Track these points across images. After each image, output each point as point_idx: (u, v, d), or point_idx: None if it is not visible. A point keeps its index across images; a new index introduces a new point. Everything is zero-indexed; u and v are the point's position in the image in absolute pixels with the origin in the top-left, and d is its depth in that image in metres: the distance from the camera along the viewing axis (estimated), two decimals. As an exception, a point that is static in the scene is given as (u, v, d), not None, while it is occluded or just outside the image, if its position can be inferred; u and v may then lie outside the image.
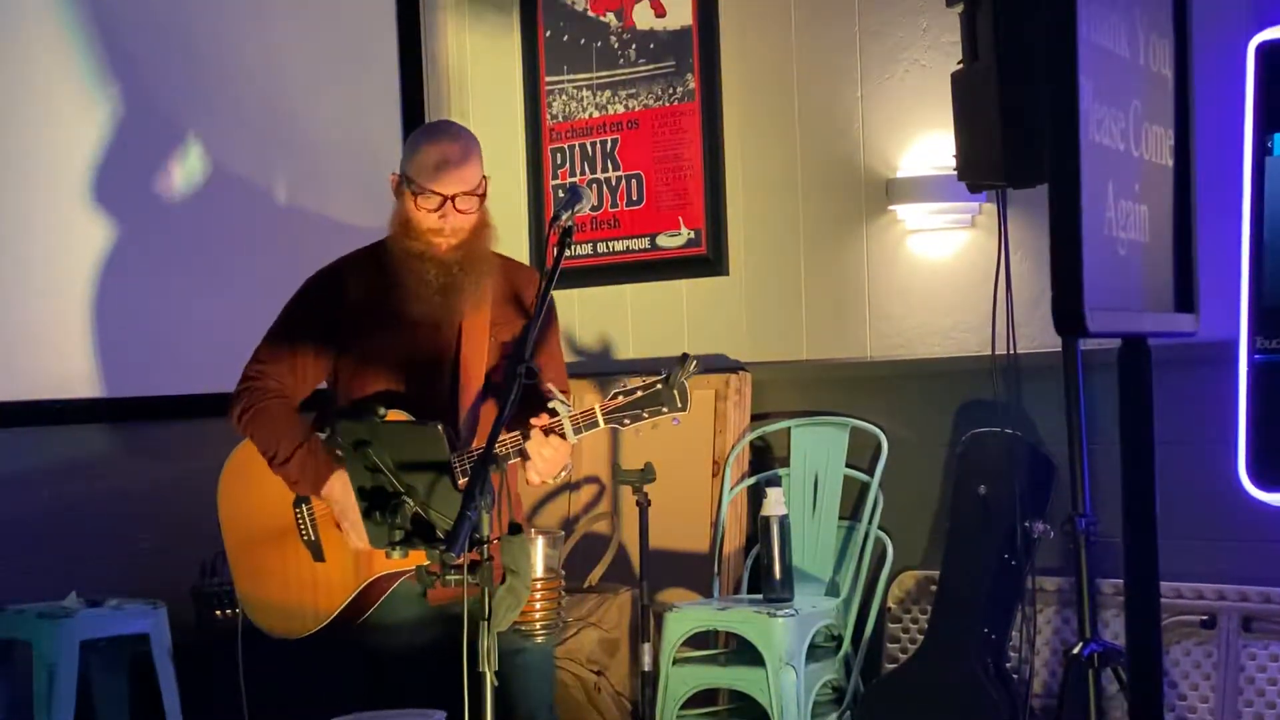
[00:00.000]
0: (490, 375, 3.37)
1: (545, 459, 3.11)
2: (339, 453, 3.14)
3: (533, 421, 3.10)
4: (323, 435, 3.36)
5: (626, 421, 3.06)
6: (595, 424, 3.08)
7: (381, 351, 3.39)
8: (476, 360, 3.37)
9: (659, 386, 3.03)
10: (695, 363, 3.04)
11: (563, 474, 3.20)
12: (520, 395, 2.94)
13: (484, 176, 3.40)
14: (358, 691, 3.66)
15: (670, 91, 5.35)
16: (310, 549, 3.40)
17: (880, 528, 4.79)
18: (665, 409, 3.04)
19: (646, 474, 4.33)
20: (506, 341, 3.38)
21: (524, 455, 3.13)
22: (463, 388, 3.35)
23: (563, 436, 3.08)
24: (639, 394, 3.05)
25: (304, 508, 3.42)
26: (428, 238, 3.32)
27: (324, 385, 3.54)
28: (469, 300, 3.34)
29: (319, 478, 3.35)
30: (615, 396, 3.07)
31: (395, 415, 3.13)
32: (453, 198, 3.31)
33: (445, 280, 3.32)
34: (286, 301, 3.57)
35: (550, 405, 3.09)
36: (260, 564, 3.50)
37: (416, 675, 3.40)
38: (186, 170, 5.17)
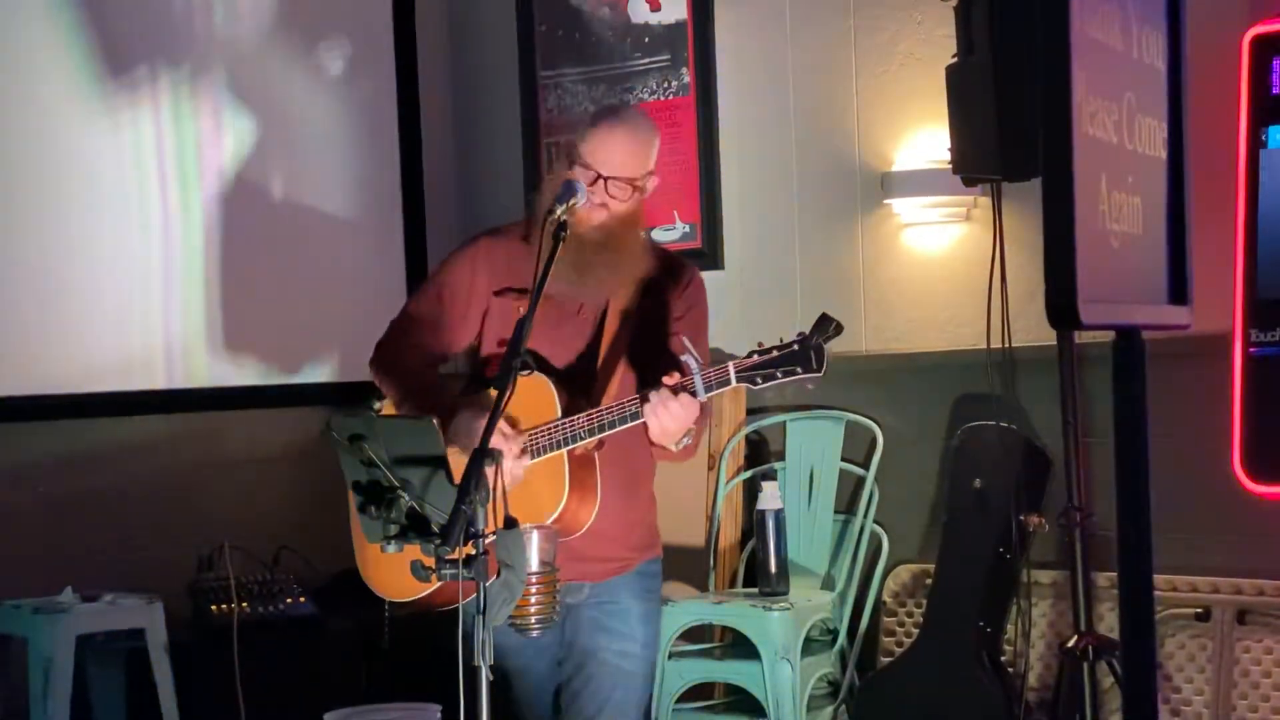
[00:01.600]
0: (634, 363, 3.33)
1: (673, 416, 3.07)
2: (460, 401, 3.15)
3: (665, 380, 3.07)
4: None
5: (759, 380, 3.04)
6: (727, 381, 3.05)
7: (527, 321, 3.35)
8: (617, 345, 3.34)
9: (795, 347, 3.01)
10: (836, 325, 2.99)
11: (686, 440, 3.16)
12: (515, 389, 2.95)
13: (649, 173, 3.36)
14: (355, 685, 3.66)
15: (665, 85, 5.35)
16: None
17: (876, 521, 4.80)
18: (800, 370, 3.02)
19: (642, 468, 4.32)
20: (652, 332, 3.36)
21: (638, 417, 3.10)
22: (601, 371, 3.32)
23: (693, 394, 3.05)
24: (774, 353, 3.03)
25: None
26: (573, 211, 3.25)
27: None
28: (605, 283, 3.30)
29: (440, 419, 3.27)
30: (750, 355, 3.05)
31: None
32: (606, 179, 3.28)
33: (577, 258, 3.25)
34: (443, 259, 3.54)
35: (683, 359, 3.07)
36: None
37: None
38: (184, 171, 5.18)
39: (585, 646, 3.36)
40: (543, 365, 3.32)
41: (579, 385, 3.29)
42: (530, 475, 3.20)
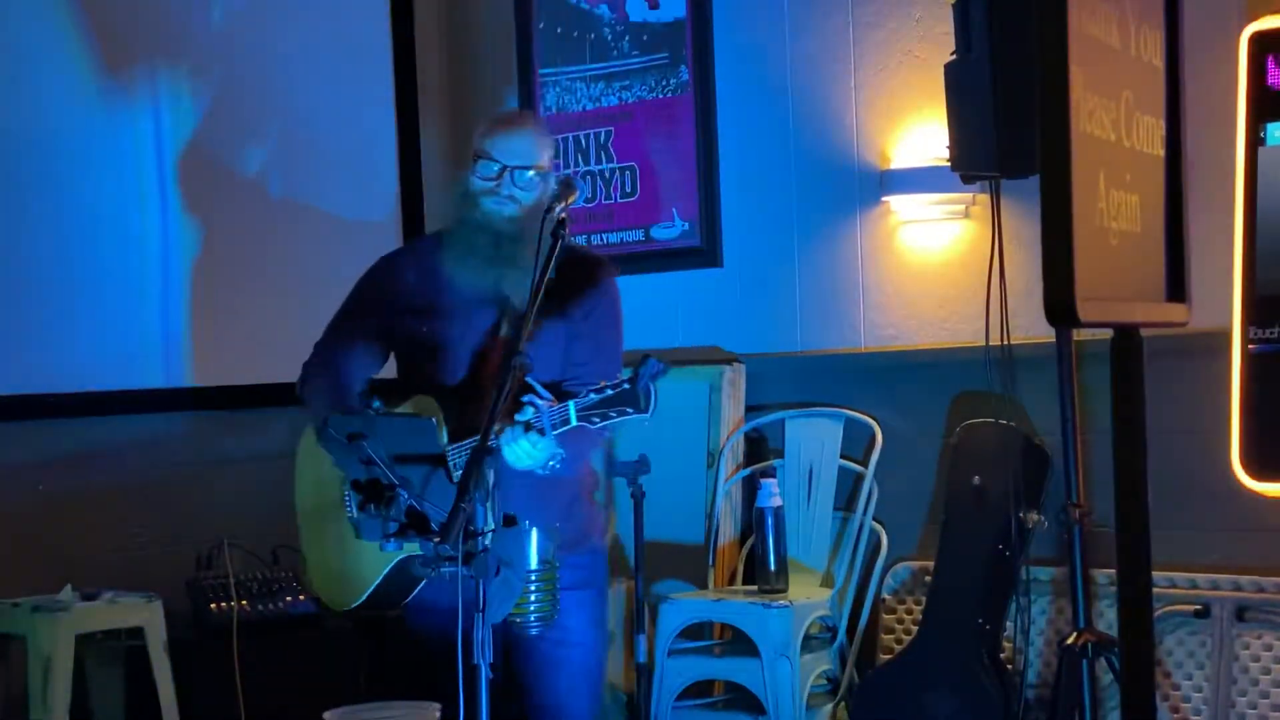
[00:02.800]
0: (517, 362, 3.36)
1: (525, 452, 3.14)
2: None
3: (516, 418, 3.13)
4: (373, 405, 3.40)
5: (596, 420, 3.10)
6: (568, 421, 3.12)
7: (430, 333, 3.44)
8: (507, 360, 3.36)
9: (625, 387, 3.08)
10: (662, 368, 3.07)
11: (553, 464, 3.21)
12: (515, 388, 2.97)
13: (548, 167, 3.43)
14: (355, 683, 3.68)
15: (664, 84, 5.35)
16: (353, 526, 3.42)
17: (875, 519, 4.80)
18: (630, 410, 3.08)
19: (641, 466, 4.33)
20: (563, 329, 3.39)
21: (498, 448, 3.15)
22: (488, 393, 3.33)
23: (541, 433, 3.11)
24: (609, 393, 3.10)
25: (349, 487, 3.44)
26: (484, 205, 3.36)
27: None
28: (513, 278, 3.35)
29: None
30: (588, 394, 3.11)
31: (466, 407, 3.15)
32: (512, 169, 3.36)
33: (494, 252, 3.34)
34: (355, 282, 3.66)
35: (525, 399, 3.12)
36: (319, 538, 3.56)
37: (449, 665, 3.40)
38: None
39: (525, 642, 3.39)
40: (435, 385, 3.38)
41: (467, 406, 3.32)
42: None
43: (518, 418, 3.12)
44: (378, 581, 3.37)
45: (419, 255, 3.55)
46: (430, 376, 3.41)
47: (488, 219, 3.35)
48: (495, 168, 3.36)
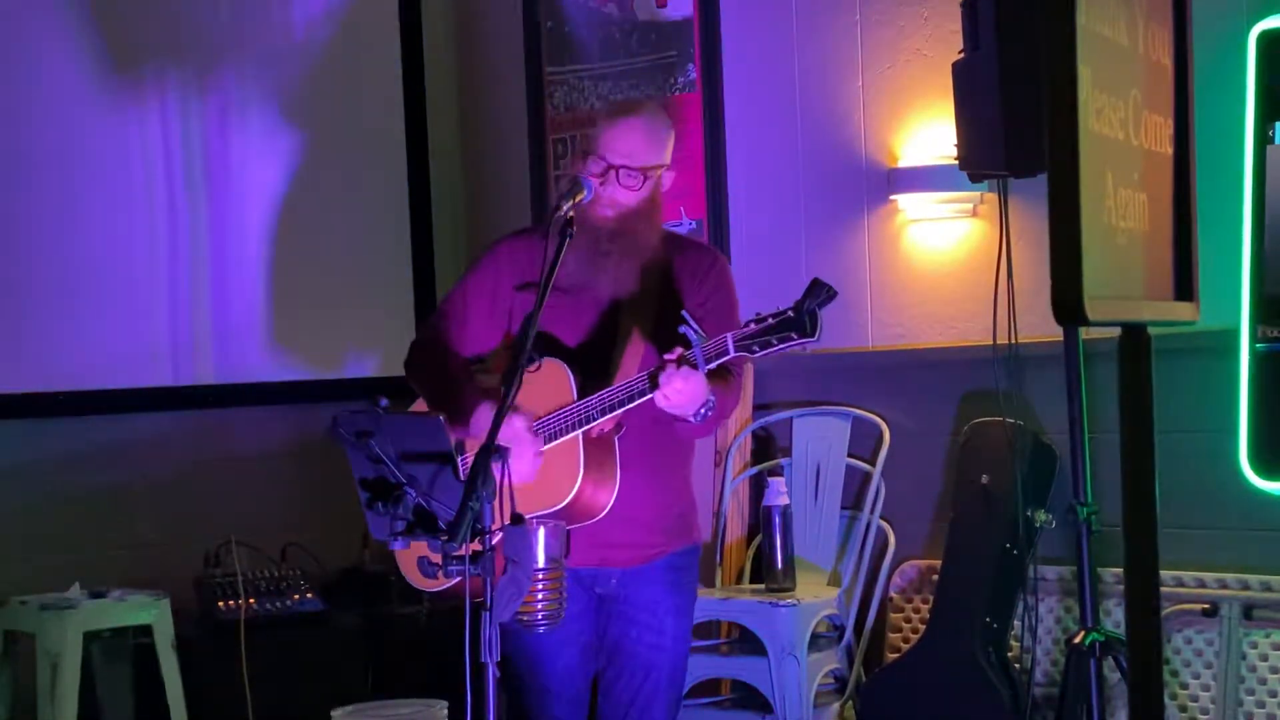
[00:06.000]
0: (652, 346, 3.35)
1: (677, 390, 3.09)
2: (496, 386, 3.21)
3: (665, 356, 3.10)
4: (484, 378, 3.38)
5: (756, 349, 3.06)
6: (725, 351, 3.07)
7: (544, 318, 3.37)
8: (634, 330, 3.36)
9: (790, 314, 3.06)
10: (829, 290, 3.04)
11: (706, 411, 3.17)
12: (521, 384, 2.97)
13: (660, 165, 3.43)
14: (362, 681, 3.68)
15: (671, 82, 5.35)
16: None
17: (882, 517, 4.80)
18: (795, 335, 3.05)
19: (649, 464, 4.33)
20: (672, 319, 3.37)
21: (655, 385, 3.12)
22: (615, 354, 3.34)
23: (694, 367, 3.08)
24: (770, 322, 3.07)
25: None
26: (585, 203, 3.32)
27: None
28: (618, 272, 3.36)
29: (465, 413, 3.31)
30: (748, 324, 3.08)
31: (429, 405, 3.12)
32: (618, 168, 3.35)
33: (591, 249, 3.33)
34: (470, 262, 3.64)
35: (681, 330, 3.10)
36: None
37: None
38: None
39: (616, 639, 3.39)
40: (563, 351, 3.37)
41: (595, 369, 3.31)
42: (546, 459, 3.22)
43: (665, 357, 3.08)
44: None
45: (534, 241, 3.48)
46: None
47: (588, 217, 3.32)
48: (601, 165, 3.36)
